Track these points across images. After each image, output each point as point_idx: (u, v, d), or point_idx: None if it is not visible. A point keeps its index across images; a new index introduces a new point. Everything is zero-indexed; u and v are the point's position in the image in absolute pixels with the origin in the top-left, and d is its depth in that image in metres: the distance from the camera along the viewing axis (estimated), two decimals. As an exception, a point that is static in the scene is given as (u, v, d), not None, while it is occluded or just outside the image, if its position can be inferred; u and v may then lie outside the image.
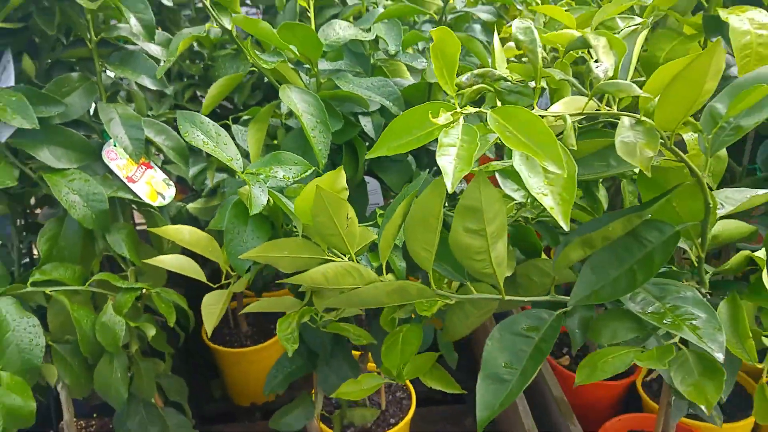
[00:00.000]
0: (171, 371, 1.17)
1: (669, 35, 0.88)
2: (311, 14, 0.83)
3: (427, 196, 0.53)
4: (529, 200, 0.69)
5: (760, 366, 0.60)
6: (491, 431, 1.44)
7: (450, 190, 0.38)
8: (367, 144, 0.85)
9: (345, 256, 0.57)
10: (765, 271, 0.60)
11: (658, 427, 0.98)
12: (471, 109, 0.42)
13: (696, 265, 0.61)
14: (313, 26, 0.82)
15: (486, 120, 0.41)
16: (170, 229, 0.63)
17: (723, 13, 0.78)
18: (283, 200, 0.57)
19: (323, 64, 0.87)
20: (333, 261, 0.55)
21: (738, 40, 0.75)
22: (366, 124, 0.84)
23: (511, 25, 0.55)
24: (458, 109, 0.42)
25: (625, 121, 0.48)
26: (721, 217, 0.62)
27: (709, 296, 0.67)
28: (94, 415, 1.14)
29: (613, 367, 0.52)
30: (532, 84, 0.56)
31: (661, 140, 0.49)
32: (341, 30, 0.84)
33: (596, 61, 0.48)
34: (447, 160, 0.39)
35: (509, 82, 0.56)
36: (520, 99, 0.55)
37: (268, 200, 0.57)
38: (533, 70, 0.48)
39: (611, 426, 1.12)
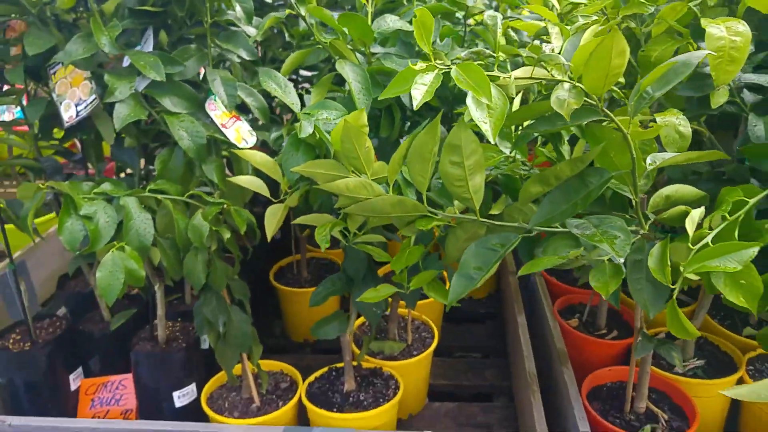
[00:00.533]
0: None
1: (664, 39, 1.02)
2: (369, 9, 1.04)
3: (423, 135, 0.72)
4: (514, 154, 0.86)
5: (683, 293, 0.74)
6: (500, 369, 1.60)
7: (415, 108, 0.57)
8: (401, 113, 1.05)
9: (362, 175, 0.76)
10: (689, 220, 0.75)
11: (631, 371, 1.11)
12: (439, 62, 0.61)
13: (633, 207, 0.76)
14: (369, 18, 1.03)
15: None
16: (247, 152, 0.86)
17: (704, 22, 0.91)
18: (324, 132, 0.77)
19: (377, 48, 1.08)
20: (351, 177, 0.75)
21: (713, 43, 0.88)
22: (403, 96, 1.03)
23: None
24: (432, 63, 0.61)
25: (565, 85, 0.65)
26: (660, 168, 0.76)
27: (655, 240, 0.82)
28: (178, 319, 1.40)
29: (542, 265, 0.69)
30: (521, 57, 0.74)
31: (593, 102, 0.65)
32: (391, 22, 1.04)
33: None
34: (418, 92, 0.59)
35: (494, 58, 0.74)
36: (502, 70, 0.72)
37: (314, 134, 0.78)
38: (493, 44, 0.65)
39: (601, 373, 1.25)
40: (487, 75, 0.62)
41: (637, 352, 1.00)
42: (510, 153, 0.84)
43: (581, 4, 1.00)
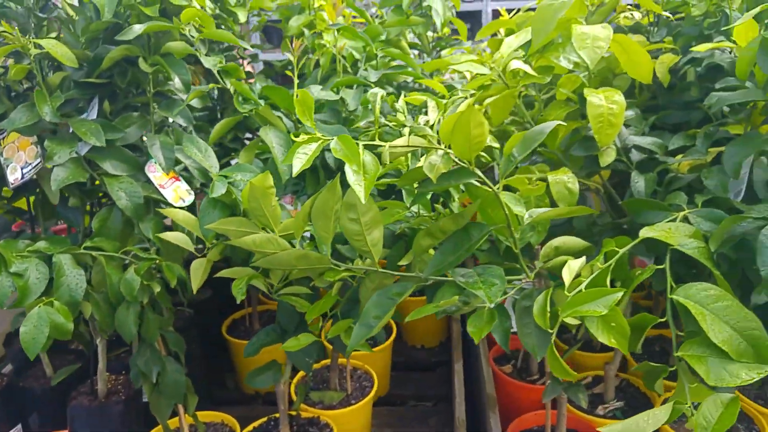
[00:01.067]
0: (195, 365, 1.49)
1: (559, 105, 1.12)
2: (295, 81, 1.12)
3: (324, 194, 0.79)
4: (418, 209, 0.93)
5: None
6: (445, 416, 1.62)
7: (294, 175, 0.63)
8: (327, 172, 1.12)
9: (270, 232, 0.82)
10: (566, 268, 0.82)
11: (547, 415, 1.15)
12: (319, 134, 0.69)
13: (516, 257, 0.82)
14: (295, 89, 1.11)
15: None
16: (170, 210, 0.91)
17: (587, 92, 1.01)
18: (235, 192, 0.84)
19: (306, 115, 1.16)
20: (260, 233, 0.81)
21: (593, 111, 0.98)
22: (327, 157, 1.11)
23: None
24: (315, 135, 0.68)
25: (439, 152, 0.72)
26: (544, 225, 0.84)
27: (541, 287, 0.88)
28: (123, 372, 1.42)
29: (425, 311, 0.74)
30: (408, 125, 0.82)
31: (465, 164, 0.72)
32: (316, 92, 1.13)
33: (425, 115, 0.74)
34: (298, 161, 0.65)
35: (388, 126, 0.82)
36: (390, 137, 0.80)
37: (230, 194, 0.84)
38: (375, 119, 0.73)
39: (527, 417, 1.28)
40: (369, 143, 0.69)
41: (545, 395, 1.04)
42: (411, 208, 0.91)
43: (483, 74, 1.10)
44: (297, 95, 0.69)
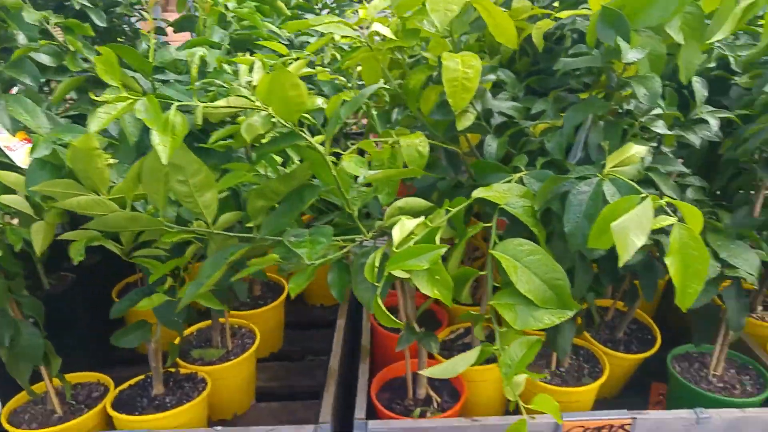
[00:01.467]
0: (81, 327, 1.50)
1: (422, 69, 1.12)
2: (151, 43, 1.06)
3: (151, 156, 0.75)
4: (266, 170, 0.92)
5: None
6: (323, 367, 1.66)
7: (92, 131, 0.60)
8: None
9: (100, 194, 0.79)
10: (397, 226, 0.83)
11: (407, 363, 1.20)
12: (132, 96, 0.65)
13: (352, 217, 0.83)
14: (151, 51, 1.05)
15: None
16: (2, 173, 0.85)
17: (445, 55, 1.00)
18: (60, 153, 0.79)
19: (168, 75, 1.10)
20: (89, 195, 0.77)
21: (448, 75, 0.97)
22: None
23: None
24: (123, 95, 0.65)
25: (262, 112, 0.71)
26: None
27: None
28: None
29: (249, 270, 0.74)
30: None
31: (290, 127, 0.72)
32: (173, 53, 1.07)
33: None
34: (97, 121, 0.62)
35: (225, 87, 0.79)
36: (222, 97, 0.78)
37: (57, 154, 0.80)
38: (192, 78, 0.70)
39: (396, 366, 1.33)
40: (184, 104, 0.67)
41: (399, 343, 1.08)
42: (253, 169, 0.90)
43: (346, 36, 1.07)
44: (99, 53, 0.65)
